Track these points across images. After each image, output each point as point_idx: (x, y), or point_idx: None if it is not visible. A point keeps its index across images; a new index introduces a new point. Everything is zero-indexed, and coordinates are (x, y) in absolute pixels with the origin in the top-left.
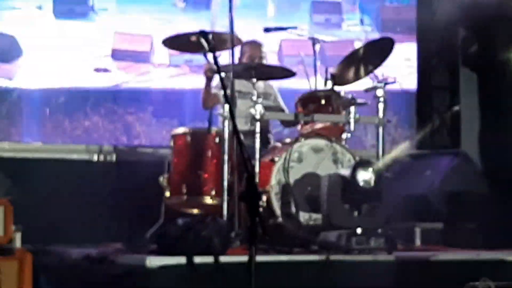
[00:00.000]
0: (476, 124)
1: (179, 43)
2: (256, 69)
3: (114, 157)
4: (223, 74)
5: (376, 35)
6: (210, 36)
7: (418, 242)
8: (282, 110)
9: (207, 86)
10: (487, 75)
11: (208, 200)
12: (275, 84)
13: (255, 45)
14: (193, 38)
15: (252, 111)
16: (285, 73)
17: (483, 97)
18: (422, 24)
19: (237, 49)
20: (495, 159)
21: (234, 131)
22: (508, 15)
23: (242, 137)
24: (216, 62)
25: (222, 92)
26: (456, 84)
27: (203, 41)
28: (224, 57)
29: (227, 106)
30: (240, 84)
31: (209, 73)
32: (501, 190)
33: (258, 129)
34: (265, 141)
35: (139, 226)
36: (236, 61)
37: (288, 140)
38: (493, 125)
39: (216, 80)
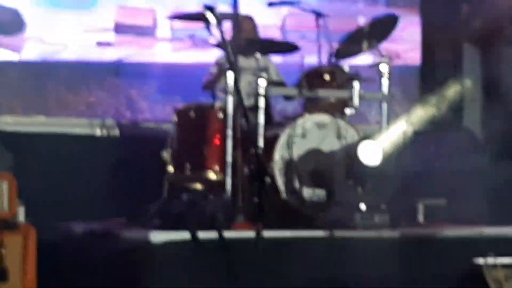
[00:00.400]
0: (479, 99)
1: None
2: (260, 43)
3: (117, 132)
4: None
5: (380, 9)
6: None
7: (421, 218)
8: (283, 84)
9: (217, 76)
10: (490, 50)
11: (211, 175)
12: (277, 58)
13: (248, 20)
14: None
15: (256, 85)
16: (289, 47)
17: (486, 73)
18: None
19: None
20: (498, 135)
21: (241, 106)
22: None
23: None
24: (222, 37)
25: (227, 67)
26: (459, 59)
27: (209, 15)
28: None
29: (231, 82)
30: (240, 59)
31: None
32: (504, 166)
33: (262, 104)
34: (267, 117)
35: (142, 201)
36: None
37: (291, 116)
38: (496, 101)
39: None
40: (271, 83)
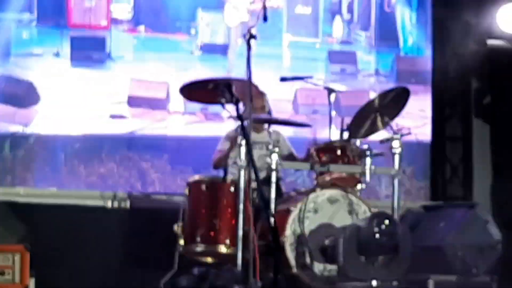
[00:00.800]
0: (489, 175)
1: (197, 91)
2: (272, 120)
3: (128, 204)
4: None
5: (391, 86)
6: (234, 88)
7: None
8: (294, 156)
9: (229, 151)
10: (500, 126)
11: (223, 249)
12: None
13: (259, 94)
14: (211, 86)
15: (268, 160)
16: (300, 124)
17: (495, 148)
18: (437, 75)
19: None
20: (508, 211)
21: (255, 181)
22: None
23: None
24: (238, 113)
25: (243, 142)
26: (469, 135)
27: (227, 93)
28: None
29: (243, 156)
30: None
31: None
32: None
33: (274, 178)
34: (278, 190)
35: (153, 274)
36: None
37: (303, 190)
38: (506, 177)
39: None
40: (282, 157)
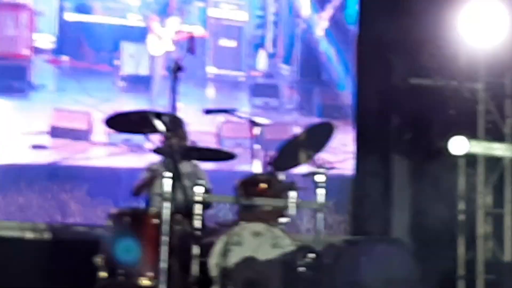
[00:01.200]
0: (408, 211)
1: (121, 123)
2: (198, 151)
3: (48, 235)
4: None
5: (313, 120)
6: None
7: None
8: (210, 190)
9: (150, 181)
10: (419, 162)
11: (145, 282)
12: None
13: (179, 123)
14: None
15: (192, 192)
16: (226, 155)
17: (415, 184)
18: (359, 111)
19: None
20: (426, 246)
21: (181, 212)
22: (443, 104)
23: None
24: (169, 142)
25: (167, 174)
26: (389, 171)
27: (158, 122)
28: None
29: (167, 187)
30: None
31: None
32: (433, 278)
33: (199, 211)
34: (203, 223)
35: None
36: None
37: (226, 223)
38: (425, 213)
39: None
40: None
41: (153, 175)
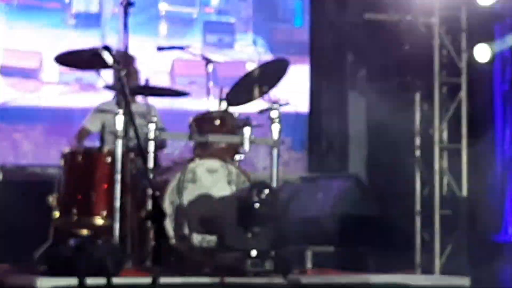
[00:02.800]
0: (364, 147)
1: (72, 59)
2: (150, 89)
3: (0, 176)
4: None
5: (268, 57)
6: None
7: (309, 265)
8: (163, 128)
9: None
10: (374, 99)
11: (99, 221)
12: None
13: (130, 60)
14: (87, 55)
15: (146, 130)
16: (179, 93)
17: (371, 119)
18: (314, 47)
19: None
20: (383, 182)
21: (135, 150)
22: (398, 40)
23: (132, 156)
24: (119, 77)
25: (120, 111)
26: (345, 108)
27: (107, 55)
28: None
29: (120, 125)
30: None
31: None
32: (390, 213)
33: (152, 148)
34: (157, 161)
35: (27, 247)
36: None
37: (181, 160)
38: (381, 148)
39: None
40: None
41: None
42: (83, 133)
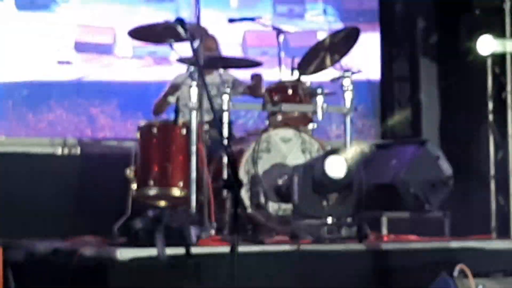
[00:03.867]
0: (437, 113)
1: (145, 33)
2: (223, 60)
3: (78, 150)
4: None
5: (338, 25)
6: (187, 25)
7: (384, 231)
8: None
9: (166, 96)
10: (447, 65)
11: (176, 192)
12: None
13: (211, 39)
14: (160, 28)
15: (219, 101)
16: (252, 63)
17: (443, 87)
18: (384, 15)
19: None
20: (456, 148)
21: (216, 126)
22: (469, 6)
23: (207, 128)
24: (194, 50)
25: (193, 84)
26: (417, 74)
27: (180, 29)
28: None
29: (194, 98)
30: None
31: (173, 89)
32: (464, 178)
33: (226, 119)
34: (232, 132)
35: (106, 219)
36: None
37: (255, 130)
38: (453, 114)
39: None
40: (239, 92)
41: (172, 89)
42: (163, 105)
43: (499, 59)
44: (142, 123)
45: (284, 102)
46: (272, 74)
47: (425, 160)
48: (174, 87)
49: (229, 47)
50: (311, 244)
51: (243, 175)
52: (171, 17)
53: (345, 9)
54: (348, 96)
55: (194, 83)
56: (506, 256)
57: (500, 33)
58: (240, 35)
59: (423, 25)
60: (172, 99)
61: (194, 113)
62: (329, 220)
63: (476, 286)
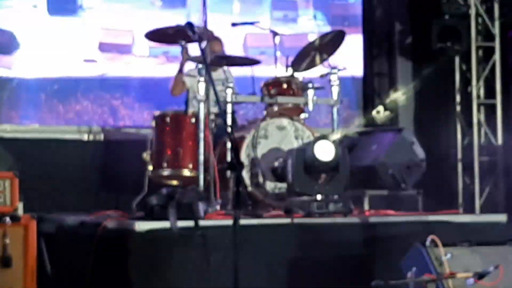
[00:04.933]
0: (412, 104)
1: (160, 36)
2: (227, 59)
3: (102, 137)
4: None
5: (327, 29)
6: (196, 28)
7: (366, 206)
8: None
9: (179, 72)
10: (420, 63)
11: (186, 172)
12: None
13: (218, 41)
14: (172, 31)
15: (224, 94)
16: (252, 61)
17: (417, 82)
18: (366, 19)
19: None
20: (428, 134)
21: (220, 115)
22: (439, 12)
23: (213, 117)
24: (202, 50)
25: (201, 79)
26: (394, 71)
27: (190, 31)
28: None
29: (202, 91)
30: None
31: (186, 56)
32: (435, 161)
33: (230, 109)
34: (235, 120)
35: (126, 196)
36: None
37: (255, 119)
38: (426, 105)
39: (186, 68)
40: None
41: (179, 74)
42: (181, 85)
43: (466, 56)
44: (157, 113)
45: (280, 95)
46: (269, 71)
47: (401, 146)
48: (183, 64)
49: (232, 47)
50: (303, 217)
51: (244, 158)
52: (182, 21)
53: (333, 14)
54: (335, 90)
55: (202, 79)
56: (471, 228)
57: (466, 33)
58: (242, 37)
59: (400, 28)
60: (188, 81)
61: (202, 105)
62: (319, 197)
63: (445, 254)
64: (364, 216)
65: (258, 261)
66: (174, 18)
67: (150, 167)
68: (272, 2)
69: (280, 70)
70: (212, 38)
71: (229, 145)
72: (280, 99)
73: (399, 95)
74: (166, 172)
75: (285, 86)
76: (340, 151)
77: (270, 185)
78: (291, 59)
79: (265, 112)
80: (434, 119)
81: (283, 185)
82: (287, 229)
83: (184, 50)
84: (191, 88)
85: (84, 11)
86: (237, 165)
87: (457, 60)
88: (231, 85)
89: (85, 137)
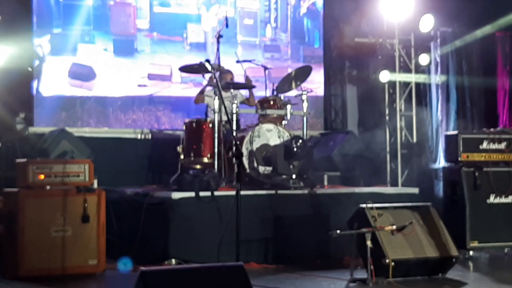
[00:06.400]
0: (356, 114)
1: (188, 69)
2: (233, 84)
3: (150, 136)
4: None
5: (300, 64)
6: (212, 63)
7: (325, 183)
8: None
9: (203, 90)
10: (362, 87)
11: (205, 160)
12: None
13: (229, 72)
14: (197, 66)
15: (231, 107)
16: (249, 86)
17: (360, 100)
18: (326, 58)
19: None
20: (367, 135)
21: (228, 122)
22: (374, 52)
23: (224, 123)
24: (216, 79)
25: (216, 97)
26: (344, 93)
27: (208, 65)
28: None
29: (217, 105)
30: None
31: (211, 81)
32: (371, 153)
33: (235, 118)
34: (237, 125)
35: (166, 175)
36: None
37: (251, 125)
38: (366, 116)
39: (208, 89)
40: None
41: (203, 90)
42: (201, 97)
43: (392, 84)
44: (187, 120)
45: (268, 109)
46: (261, 92)
47: (349, 142)
48: (203, 90)
49: (237, 77)
50: (283, 190)
51: (244, 150)
52: (203, 60)
53: (304, 55)
54: (305, 105)
55: (216, 97)
56: (395, 197)
57: (392, 69)
58: (243, 70)
59: (348, 65)
60: (207, 99)
61: (216, 115)
62: (294, 176)
63: (378, 214)
64: (323, 189)
65: (253, 218)
66: (198, 58)
67: (182, 156)
68: (264, 47)
69: (269, 92)
70: (225, 71)
71: (234, 142)
72: (269, 111)
73: None
74: (192, 160)
75: (272, 102)
76: (308, 146)
77: (261, 168)
78: (276, 84)
79: (258, 120)
80: (371, 125)
81: (270, 168)
82: (273, 198)
83: (211, 78)
84: (209, 103)
85: (139, 53)
86: (239, 154)
87: (386, 85)
88: (236, 101)
89: (138, 136)
